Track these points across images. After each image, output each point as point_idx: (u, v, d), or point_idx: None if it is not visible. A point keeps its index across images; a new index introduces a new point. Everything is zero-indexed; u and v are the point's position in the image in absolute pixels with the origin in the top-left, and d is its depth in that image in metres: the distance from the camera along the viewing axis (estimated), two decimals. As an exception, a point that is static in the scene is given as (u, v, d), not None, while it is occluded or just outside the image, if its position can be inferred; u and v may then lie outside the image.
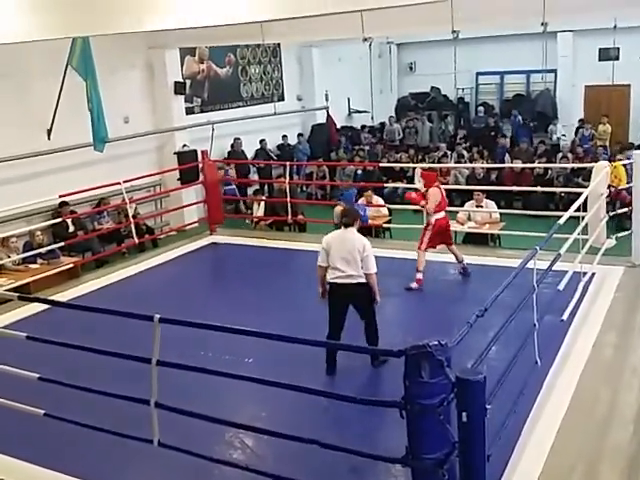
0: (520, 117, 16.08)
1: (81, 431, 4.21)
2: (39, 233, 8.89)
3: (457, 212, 9.64)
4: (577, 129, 15.31)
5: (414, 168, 12.96)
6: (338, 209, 7.62)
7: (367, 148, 15.66)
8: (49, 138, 9.81)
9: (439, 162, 13.62)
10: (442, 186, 7.89)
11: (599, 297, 6.71)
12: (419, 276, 7.41)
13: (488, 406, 3.06)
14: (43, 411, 4.30)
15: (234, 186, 12.69)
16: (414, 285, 7.39)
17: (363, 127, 17.06)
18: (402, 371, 3.09)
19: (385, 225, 9.99)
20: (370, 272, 5.47)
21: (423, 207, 7.57)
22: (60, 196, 9.13)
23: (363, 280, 5.48)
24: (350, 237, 5.54)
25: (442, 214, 7.54)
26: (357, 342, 5.29)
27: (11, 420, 4.63)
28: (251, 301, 7.27)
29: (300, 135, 15.37)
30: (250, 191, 12.88)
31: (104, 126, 9.43)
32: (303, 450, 3.60)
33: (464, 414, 2.98)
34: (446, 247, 7.74)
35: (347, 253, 5.46)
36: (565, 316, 5.54)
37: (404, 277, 7.58)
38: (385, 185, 11.98)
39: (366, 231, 9.77)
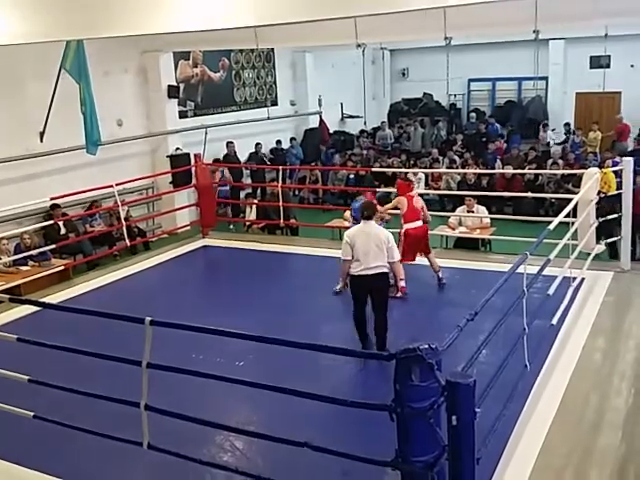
0: (497, 125, 16.13)
1: (71, 433, 4.20)
2: (27, 236, 8.84)
3: (448, 217, 9.69)
4: (566, 134, 15.40)
5: (406, 173, 13.08)
6: (347, 214, 8.37)
7: (364, 152, 15.71)
8: (42, 140, 9.79)
9: (431, 167, 13.68)
10: (436, 191, 7.98)
11: (588, 302, 6.76)
12: (402, 284, 7.22)
13: (478, 409, 3.08)
14: (32, 413, 4.29)
15: (228, 187, 12.69)
16: (398, 294, 7.20)
17: (362, 132, 17.10)
18: (392, 374, 3.11)
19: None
20: (395, 260, 5.94)
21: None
22: (52, 198, 9.11)
23: (386, 270, 5.86)
24: (374, 230, 5.89)
25: (414, 224, 7.53)
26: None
27: (1, 422, 4.61)
28: (243, 304, 7.28)
29: (293, 139, 15.40)
30: (242, 195, 12.89)
31: (97, 129, 9.41)
32: (294, 453, 3.61)
33: (454, 417, 3.00)
34: (426, 257, 7.74)
35: (373, 245, 5.76)
36: (554, 321, 5.58)
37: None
38: (377, 190, 12.00)
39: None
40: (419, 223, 7.57)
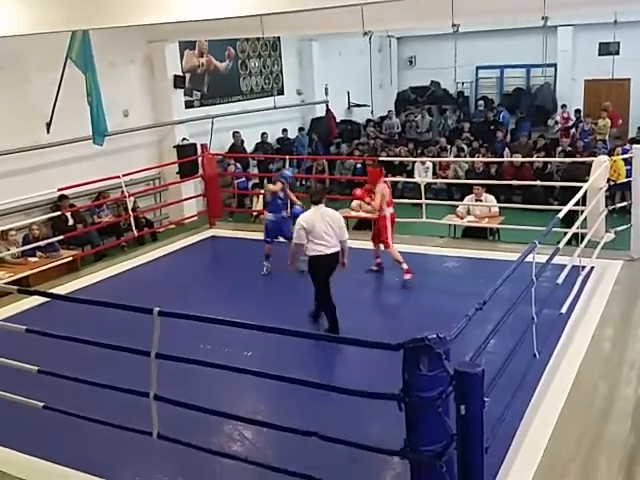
0: (506, 113, 16.04)
1: (81, 423, 4.22)
2: (35, 227, 8.88)
3: (456, 206, 9.64)
4: (577, 120, 15.30)
5: (414, 162, 13.05)
6: (270, 186, 8.08)
7: (372, 142, 15.66)
8: (48, 131, 9.80)
9: (439, 156, 13.62)
10: (444, 180, 7.92)
11: (598, 291, 6.73)
12: (404, 266, 7.45)
13: (486, 399, 3.07)
14: (42, 403, 4.31)
15: (244, 179, 12.68)
16: (408, 276, 7.39)
17: (369, 121, 17.03)
18: (401, 364, 3.10)
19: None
20: (345, 238, 6.30)
21: (368, 204, 7.72)
22: (59, 189, 9.14)
23: (339, 248, 6.26)
24: (327, 212, 6.27)
25: (392, 209, 7.64)
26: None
27: (11, 412, 4.65)
28: (250, 294, 7.28)
29: (301, 129, 15.35)
30: (249, 184, 12.87)
31: (104, 119, 9.41)
32: (302, 442, 3.61)
33: (462, 407, 2.99)
34: (375, 241, 7.75)
35: (328, 227, 6.16)
36: (564, 309, 5.55)
37: (401, 270, 7.59)
38: (385, 179, 11.95)
39: (366, 225, 9.83)
40: (392, 209, 7.69)
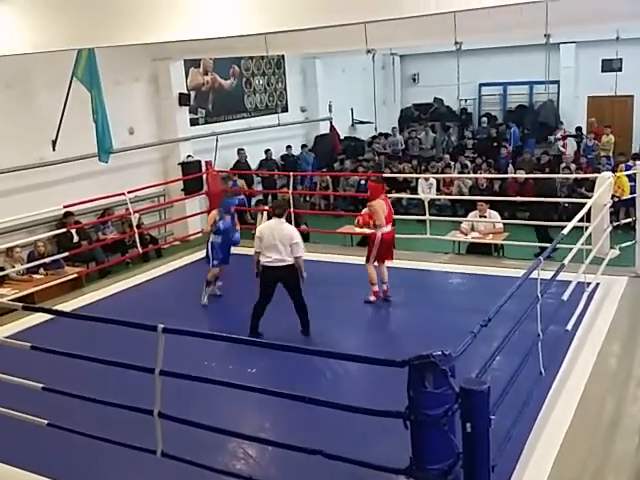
0: (516, 129, 16.07)
1: (84, 441, 4.20)
2: (40, 243, 8.91)
3: (460, 222, 9.64)
4: (579, 137, 15.31)
5: (417, 178, 13.07)
6: (213, 213, 7.97)
7: (376, 158, 15.70)
8: (54, 149, 9.85)
9: (442, 172, 13.64)
10: (448, 196, 7.85)
11: (603, 307, 6.70)
12: (375, 288, 7.38)
13: (492, 416, 3.05)
14: (47, 421, 4.30)
15: (243, 197, 12.70)
16: (372, 298, 7.35)
17: (375, 137, 17.09)
18: (405, 381, 3.08)
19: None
20: (298, 255, 6.45)
21: (375, 226, 7.35)
22: (65, 206, 9.17)
23: (289, 262, 6.42)
24: (280, 227, 6.50)
25: (388, 228, 7.41)
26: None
27: (15, 430, 4.63)
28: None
29: (304, 146, 15.42)
30: (253, 201, 12.90)
31: (109, 137, 9.48)
32: (307, 460, 3.59)
33: (468, 424, 2.97)
34: (382, 263, 7.45)
35: (276, 241, 6.38)
36: (569, 326, 5.53)
37: (407, 286, 7.59)
38: (388, 195, 11.97)
39: (367, 241, 9.82)
40: (389, 227, 7.46)
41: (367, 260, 7.46)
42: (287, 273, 6.47)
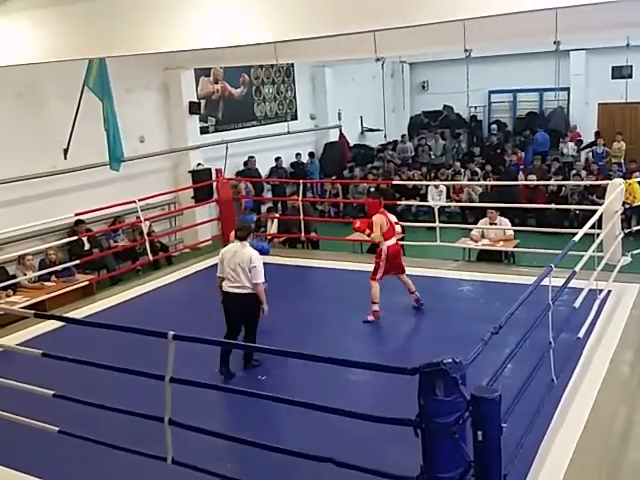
0: (544, 133, 15.90)
1: (95, 448, 4.22)
2: (52, 251, 8.97)
3: (471, 229, 9.62)
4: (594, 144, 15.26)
5: (427, 186, 13.07)
6: (232, 234, 7.13)
7: (385, 165, 15.70)
8: (66, 157, 9.93)
9: (452, 179, 13.63)
10: (458, 204, 7.81)
11: (615, 314, 6.65)
12: (375, 308, 7.11)
13: (504, 425, 3.04)
14: (57, 428, 4.32)
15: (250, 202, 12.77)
16: (370, 318, 7.08)
17: (387, 144, 17.10)
18: (416, 389, 3.07)
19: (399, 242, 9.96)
20: (256, 282, 5.85)
21: (368, 236, 7.32)
22: (76, 214, 9.23)
23: (249, 291, 5.87)
24: (240, 250, 5.95)
25: (393, 241, 7.25)
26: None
27: (26, 436, 4.65)
28: (264, 318, 7.26)
29: (311, 154, 15.47)
30: (264, 209, 12.94)
31: (120, 146, 9.55)
32: (317, 468, 3.58)
33: (479, 433, 2.96)
34: (398, 277, 7.29)
35: (236, 265, 5.87)
36: (581, 334, 5.49)
37: (419, 294, 7.55)
38: (398, 203, 12.00)
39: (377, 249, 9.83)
40: (394, 240, 7.32)
41: (373, 275, 7.17)
42: (245, 302, 5.89)
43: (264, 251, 7.01)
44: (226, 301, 6.00)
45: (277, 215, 11.78)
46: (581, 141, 15.49)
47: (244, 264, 5.84)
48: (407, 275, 7.40)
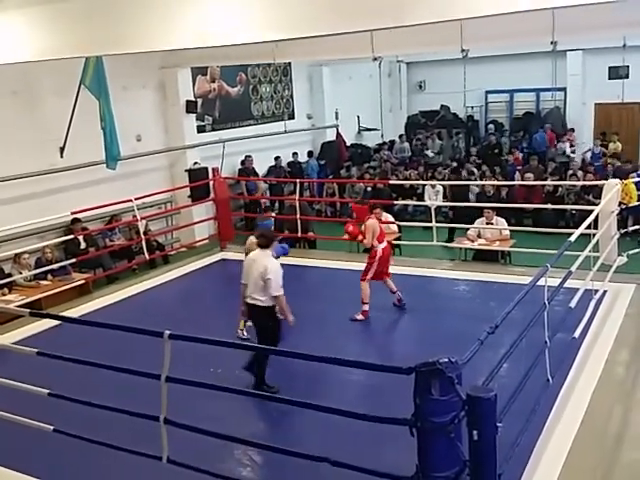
0: (543, 134, 15.89)
1: (90, 446, 4.21)
2: (48, 250, 8.95)
3: (467, 229, 9.63)
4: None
5: (424, 185, 13.07)
6: (251, 238, 6.88)
7: (383, 165, 15.71)
8: (62, 156, 9.90)
9: (449, 179, 13.63)
10: (454, 203, 7.83)
11: (611, 315, 6.67)
12: (365, 308, 7.19)
13: (499, 424, 3.04)
14: (52, 427, 4.31)
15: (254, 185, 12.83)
16: (359, 317, 7.14)
17: (383, 144, 17.11)
18: (411, 388, 3.07)
19: (395, 242, 9.98)
20: (273, 295, 5.54)
21: (361, 242, 7.46)
22: (72, 213, 9.21)
23: (264, 304, 5.57)
24: (259, 260, 5.64)
25: (385, 243, 7.36)
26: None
27: (21, 435, 4.64)
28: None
29: (310, 153, 15.46)
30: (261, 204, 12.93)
31: (116, 144, 9.53)
32: (313, 467, 3.58)
33: (475, 432, 2.96)
34: (383, 280, 7.34)
35: (252, 275, 5.62)
36: (577, 334, 5.50)
37: (414, 293, 7.57)
38: (395, 202, 12.00)
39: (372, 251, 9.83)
40: (386, 243, 7.42)
41: (363, 275, 7.23)
42: (258, 314, 5.69)
43: (285, 253, 6.95)
44: (248, 310, 5.82)
45: (273, 214, 11.76)
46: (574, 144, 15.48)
47: (259, 275, 5.57)
48: (404, 275, 7.42)
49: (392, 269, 7.57)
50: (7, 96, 9.27)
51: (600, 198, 7.67)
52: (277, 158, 14.17)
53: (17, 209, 9.07)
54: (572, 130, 15.85)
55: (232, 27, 5.74)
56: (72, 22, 6.34)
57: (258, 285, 5.57)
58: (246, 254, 6.29)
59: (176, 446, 3.89)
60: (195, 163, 12.14)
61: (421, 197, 13.19)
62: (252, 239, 6.64)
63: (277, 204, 13.12)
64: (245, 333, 6.67)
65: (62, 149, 9.86)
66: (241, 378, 5.69)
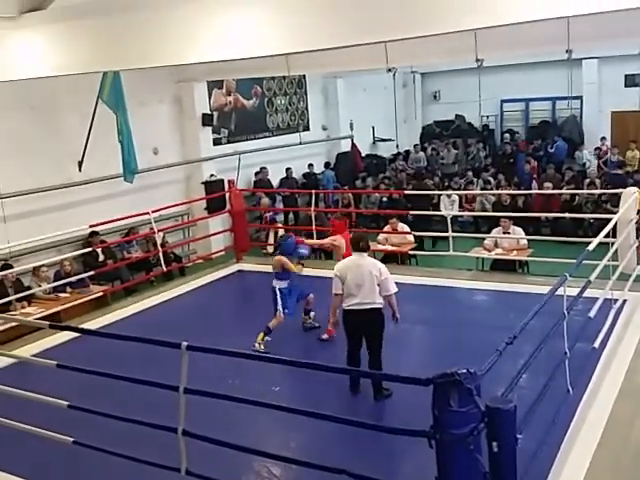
0: (562, 143, 15.75)
1: (109, 458, 4.23)
2: (67, 262, 9.04)
3: (484, 239, 9.58)
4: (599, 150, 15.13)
5: (440, 195, 13.04)
6: (277, 259, 7.11)
7: (398, 175, 15.71)
8: (80, 169, 10.03)
9: (465, 189, 13.59)
10: (471, 213, 7.85)
11: (631, 324, 6.58)
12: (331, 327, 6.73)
13: (519, 436, 3.01)
14: (72, 439, 4.33)
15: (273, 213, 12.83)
16: (325, 336, 6.83)
17: (398, 154, 17.11)
18: (429, 400, 3.06)
19: (411, 252, 9.96)
20: (390, 293, 5.56)
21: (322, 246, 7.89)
22: (90, 226, 9.29)
23: (378, 305, 5.55)
24: (365, 262, 5.63)
25: None
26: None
27: (41, 447, 4.67)
28: (277, 328, 7.26)
29: (327, 164, 15.50)
30: (279, 219, 12.95)
31: (134, 158, 9.64)
32: (330, 479, 3.57)
33: (494, 444, 2.93)
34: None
35: (364, 279, 5.50)
36: (597, 344, 5.44)
37: (431, 303, 7.53)
38: (410, 212, 11.97)
39: (392, 258, 9.83)
40: None
41: None
42: (374, 319, 5.55)
43: (305, 256, 7.21)
44: (352, 320, 5.60)
45: (280, 226, 11.77)
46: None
47: (373, 277, 5.48)
48: (421, 285, 7.38)
49: (409, 279, 7.54)
50: (26, 111, 9.41)
51: (618, 206, 7.60)
52: (288, 169, 14.21)
53: (36, 222, 9.18)
54: (604, 138, 15.59)
55: (246, 41, 5.79)
56: (89, 38, 6.43)
57: (374, 288, 5.52)
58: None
59: (195, 458, 3.89)
60: (211, 175, 12.23)
61: (437, 207, 13.15)
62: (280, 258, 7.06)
63: (282, 216, 13.15)
64: (262, 347, 6.63)
65: (80, 163, 9.98)
66: (258, 389, 5.70)
